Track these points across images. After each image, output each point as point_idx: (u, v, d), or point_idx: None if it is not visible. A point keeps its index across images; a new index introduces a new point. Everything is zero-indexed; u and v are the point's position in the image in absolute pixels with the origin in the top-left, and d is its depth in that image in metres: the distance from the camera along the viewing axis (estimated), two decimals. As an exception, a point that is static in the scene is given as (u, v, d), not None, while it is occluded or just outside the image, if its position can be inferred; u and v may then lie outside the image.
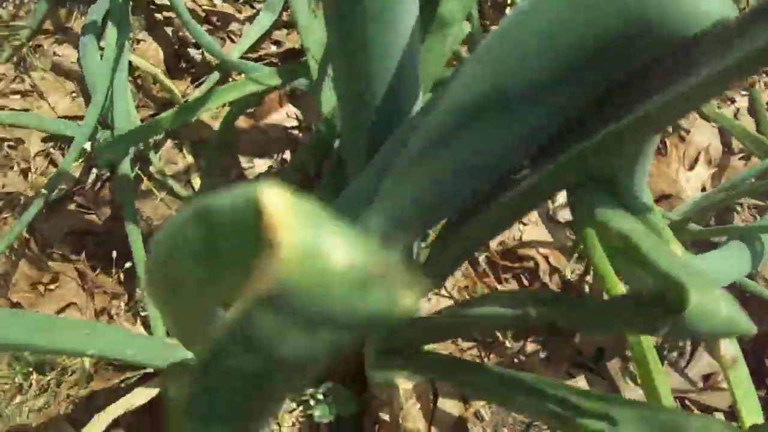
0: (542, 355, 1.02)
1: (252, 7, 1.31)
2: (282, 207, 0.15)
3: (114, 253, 0.98)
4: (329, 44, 0.57)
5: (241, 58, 1.18)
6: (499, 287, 1.05)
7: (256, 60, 1.21)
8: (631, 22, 0.39)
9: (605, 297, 0.68)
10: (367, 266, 0.15)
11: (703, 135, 1.21)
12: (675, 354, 1.06)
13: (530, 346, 1.02)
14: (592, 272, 1.07)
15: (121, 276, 1.01)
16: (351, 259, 0.15)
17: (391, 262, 0.16)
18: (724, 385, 1.05)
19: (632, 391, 1.02)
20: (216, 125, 1.14)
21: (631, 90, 0.43)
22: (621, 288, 0.63)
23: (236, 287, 0.19)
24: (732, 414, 1.03)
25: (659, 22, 0.39)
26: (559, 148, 0.46)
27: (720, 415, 1.04)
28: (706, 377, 1.06)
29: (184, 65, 1.24)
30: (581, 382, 1.01)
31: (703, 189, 1.17)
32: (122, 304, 0.99)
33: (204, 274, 0.21)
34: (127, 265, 0.97)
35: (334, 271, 0.15)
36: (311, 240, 0.15)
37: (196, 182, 1.10)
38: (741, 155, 1.22)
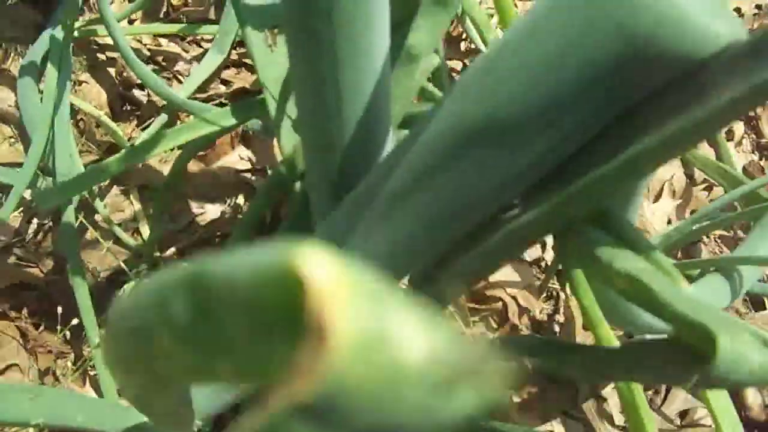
0: (515, 399, 0.98)
1: (199, 46, 1.26)
2: (331, 278, 0.11)
3: (59, 309, 0.91)
4: (294, 79, 0.53)
5: (189, 98, 1.13)
6: (466, 330, 1.01)
7: (204, 101, 1.16)
8: (640, 43, 0.36)
9: (594, 343, 0.64)
10: (451, 358, 0.11)
11: (666, 166, 1.19)
12: (650, 392, 1.02)
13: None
14: (562, 312, 1.04)
15: (67, 333, 0.94)
16: (430, 350, 0.11)
17: (481, 350, 0.11)
18: (703, 421, 1.02)
19: (609, 433, 0.98)
20: (164, 169, 1.08)
21: (637, 118, 0.39)
22: (612, 336, 0.60)
23: (243, 374, 0.14)
24: (711, 452, 1.00)
25: (665, 44, 0.35)
26: (556, 184, 0.43)
27: (699, 454, 1.01)
28: (683, 414, 1.03)
29: (128, 107, 1.19)
30: (557, 426, 0.97)
31: (669, 221, 1.15)
32: (69, 363, 0.93)
33: (193, 359, 0.17)
34: (74, 321, 0.90)
35: (408, 366, 0.11)
36: (374, 324, 0.11)
37: (145, 230, 1.04)
38: (703, 186, 1.20)
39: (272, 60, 0.75)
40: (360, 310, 0.10)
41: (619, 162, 0.39)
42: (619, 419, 0.99)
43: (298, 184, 0.73)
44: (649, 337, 1.03)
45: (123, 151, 0.81)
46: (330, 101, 0.52)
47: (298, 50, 0.51)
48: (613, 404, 1.00)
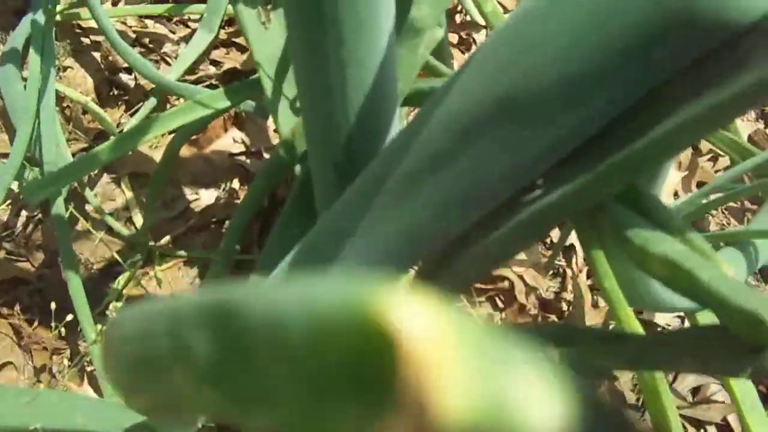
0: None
1: (186, 26, 1.22)
2: (432, 332, 0.08)
3: (53, 305, 0.88)
4: (294, 58, 0.49)
5: (178, 81, 1.09)
6: (473, 312, 0.98)
7: (194, 83, 1.12)
8: (677, 8, 0.32)
9: (613, 327, 0.61)
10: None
11: (670, 137, 1.16)
12: (662, 369, 1.00)
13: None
14: (570, 289, 1.01)
15: (62, 329, 0.90)
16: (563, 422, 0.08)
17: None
18: (715, 397, 1.00)
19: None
20: (155, 155, 1.05)
21: (672, 91, 0.36)
22: (633, 318, 0.57)
23: (287, 427, 0.11)
24: (726, 426, 0.98)
25: (706, 8, 0.32)
26: (582, 162, 0.40)
27: (713, 429, 0.98)
28: (695, 391, 1.01)
29: (115, 92, 1.15)
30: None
31: (675, 194, 1.12)
32: (65, 360, 0.89)
33: (216, 400, 0.14)
34: (69, 317, 0.87)
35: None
36: (491, 394, 0.08)
37: (138, 219, 1.01)
38: (709, 156, 1.18)
39: (266, 38, 0.71)
40: (472, 376, 0.07)
41: (651, 139, 0.36)
42: (630, 397, 0.97)
43: (297, 167, 0.69)
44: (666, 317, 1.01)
45: (113, 138, 0.78)
46: (334, 80, 0.49)
47: (299, 28, 0.47)
48: (624, 382, 0.97)
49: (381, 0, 0.46)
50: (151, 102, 1.09)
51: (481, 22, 1.26)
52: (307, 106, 0.53)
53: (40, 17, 1.08)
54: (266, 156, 1.06)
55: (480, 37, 1.27)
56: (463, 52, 1.24)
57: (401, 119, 0.73)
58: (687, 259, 0.37)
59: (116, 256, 0.94)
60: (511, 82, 0.39)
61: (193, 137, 1.06)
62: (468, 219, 0.47)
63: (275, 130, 1.09)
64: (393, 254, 0.51)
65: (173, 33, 1.21)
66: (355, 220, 0.51)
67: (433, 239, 0.49)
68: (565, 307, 1.00)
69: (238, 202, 1.02)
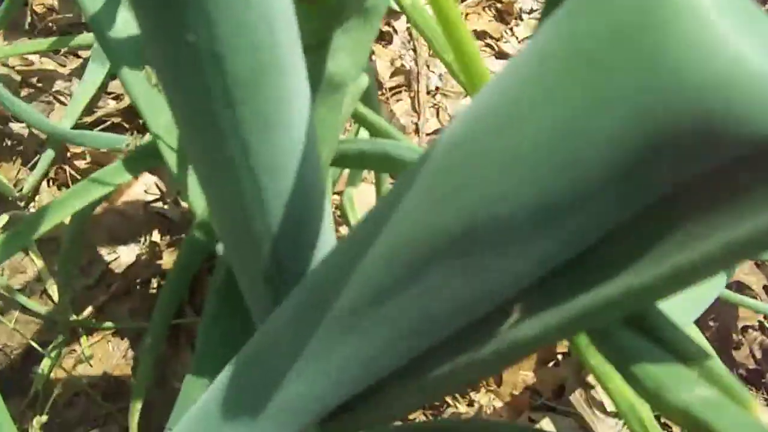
0: (498, 404, 0.89)
1: (77, 56, 1.10)
2: None
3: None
4: (193, 166, 0.40)
5: (77, 124, 0.98)
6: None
7: (93, 124, 1.01)
8: (683, 117, 0.24)
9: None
10: None
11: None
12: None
13: (483, 398, 0.89)
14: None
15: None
16: None
17: None
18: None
19: (603, 422, 0.90)
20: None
21: (682, 203, 0.28)
22: (641, 408, 0.50)
23: None
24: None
25: (726, 118, 0.24)
26: (566, 286, 0.32)
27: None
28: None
29: (9, 143, 1.03)
30: (546, 425, 0.89)
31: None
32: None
33: None
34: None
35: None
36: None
37: (54, 290, 0.91)
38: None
39: (161, 103, 0.61)
40: None
41: (657, 275, 0.28)
42: (611, 405, 0.91)
43: (219, 247, 0.60)
44: None
45: (6, 233, 0.67)
46: (246, 190, 0.40)
47: (194, 133, 0.38)
48: (603, 390, 0.92)
49: (289, 89, 0.37)
50: (49, 154, 0.97)
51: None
52: (220, 219, 0.44)
53: None
54: (184, 204, 0.95)
55: (400, 24, 1.17)
56: (384, 46, 1.14)
57: (329, 190, 0.64)
58: (712, 413, 0.29)
59: (32, 343, 0.84)
60: (469, 209, 0.31)
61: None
62: (429, 345, 0.39)
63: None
64: (345, 381, 0.43)
65: (63, 66, 1.09)
66: (299, 350, 0.43)
67: (391, 365, 0.42)
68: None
69: (161, 261, 0.92)
